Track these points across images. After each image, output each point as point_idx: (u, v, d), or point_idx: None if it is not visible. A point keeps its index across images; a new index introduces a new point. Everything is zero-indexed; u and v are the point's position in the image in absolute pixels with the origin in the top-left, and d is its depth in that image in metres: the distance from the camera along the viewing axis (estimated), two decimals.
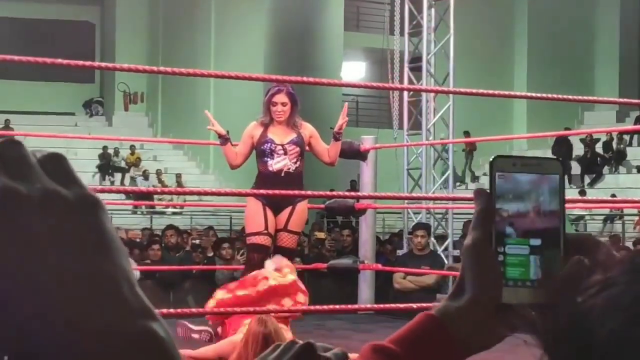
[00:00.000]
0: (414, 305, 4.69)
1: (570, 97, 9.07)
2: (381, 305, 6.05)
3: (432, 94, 12.10)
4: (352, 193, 8.25)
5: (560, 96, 6.81)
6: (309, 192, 6.41)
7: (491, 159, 0.92)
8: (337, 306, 5.20)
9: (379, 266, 8.71)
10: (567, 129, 22.32)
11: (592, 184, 24.16)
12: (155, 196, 23.74)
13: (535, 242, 0.90)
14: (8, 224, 0.57)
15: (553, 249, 0.90)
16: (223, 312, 6.35)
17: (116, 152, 26.52)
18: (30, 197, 0.59)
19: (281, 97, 6.96)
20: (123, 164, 26.61)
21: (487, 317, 0.90)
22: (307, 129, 7.10)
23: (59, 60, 4.31)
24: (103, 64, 9.29)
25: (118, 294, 0.59)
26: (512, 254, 0.90)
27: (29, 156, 0.61)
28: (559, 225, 0.90)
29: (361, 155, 8.29)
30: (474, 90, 6.38)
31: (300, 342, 0.98)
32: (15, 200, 0.58)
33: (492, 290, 0.89)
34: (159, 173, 25.52)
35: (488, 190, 0.91)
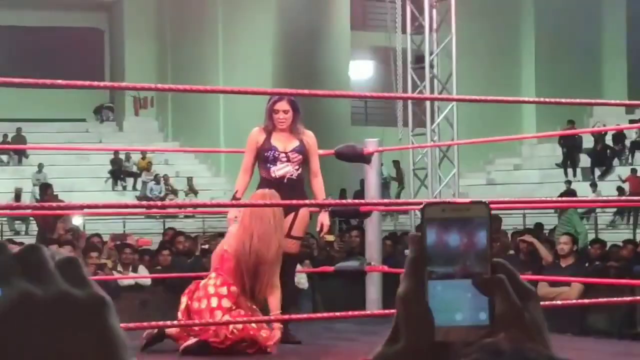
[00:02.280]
0: None
1: (575, 100, 9.13)
2: (383, 311, 6.15)
3: (436, 94, 12.17)
4: (354, 200, 8.30)
5: (564, 100, 6.89)
6: (308, 201, 6.49)
7: (421, 207, 1.00)
8: (339, 313, 5.31)
9: (385, 268, 8.77)
10: (570, 122, 22.39)
11: (602, 177, 24.17)
12: (167, 199, 23.91)
13: (465, 282, 0.97)
14: (23, 325, 0.66)
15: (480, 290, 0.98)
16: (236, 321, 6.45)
17: (127, 157, 26.66)
18: (45, 298, 0.66)
19: (283, 105, 7.04)
20: (135, 169, 26.77)
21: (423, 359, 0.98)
22: (310, 139, 7.15)
23: (59, 82, 4.39)
24: (109, 84, 9.35)
25: None
26: (442, 296, 0.96)
27: (47, 261, 0.69)
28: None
29: (365, 159, 8.36)
30: (476, 97, 6.46)
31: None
32: (30, 303, 0.66)
33: (425, 334, 0.96)
34: (166, 178, 25.60)
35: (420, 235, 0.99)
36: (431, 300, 0.96)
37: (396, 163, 23.73)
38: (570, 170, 24.69)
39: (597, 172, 24.28)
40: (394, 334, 0.98)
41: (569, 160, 24.82)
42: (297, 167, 7.06)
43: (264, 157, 7.05)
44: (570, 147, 24.60)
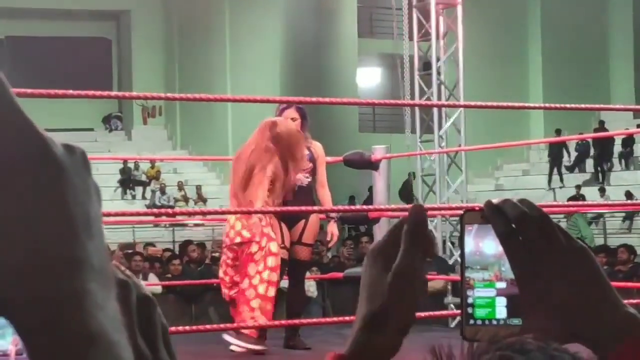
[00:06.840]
0: (422, 314, 4.82)
1: (581, 105, 9.25)
2: None
3: (444, 100, 12.22)
4: (361, 207, 8.37)
5: (570, 105, 6.97)
6: (316, 208, 6.54)
7: (462, 213, 1.06)
8: (348, 317, 5.37)
9: None
10: (557, 130, 22.48)
11: (610, 181, 24.15)
12: (177, 207, 23.96)
13: (501, 284, 1.04)
14: None
15: (517, 294, 1.04)
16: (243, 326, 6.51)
17: (136, 166, 26.74)
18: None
19: (291, 113, 7.13)
20: (144, 178, 26.84)
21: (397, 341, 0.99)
22: (318, 149, 7.26)
23: (71, 92, 4.46)
24: (120, 93, 9.45)
25: None
26: (480, 297, 1.04)
27: (132, 303, 0.74)
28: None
29: (373, 166, 8.42)
30: (483, 104, 6.52)
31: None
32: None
33: (413, 312, 1.00)
34: (180, 185, 25.68)
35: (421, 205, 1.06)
36: (469, 303, 1.04)
37: None
38: (573, 176, 24.63)
39: (601, 176, 24.28)
40: (377, 317, 0.98)
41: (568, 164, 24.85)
42: (307, 175, 7.14)
43: None
44: (557, 154, 24.64)
